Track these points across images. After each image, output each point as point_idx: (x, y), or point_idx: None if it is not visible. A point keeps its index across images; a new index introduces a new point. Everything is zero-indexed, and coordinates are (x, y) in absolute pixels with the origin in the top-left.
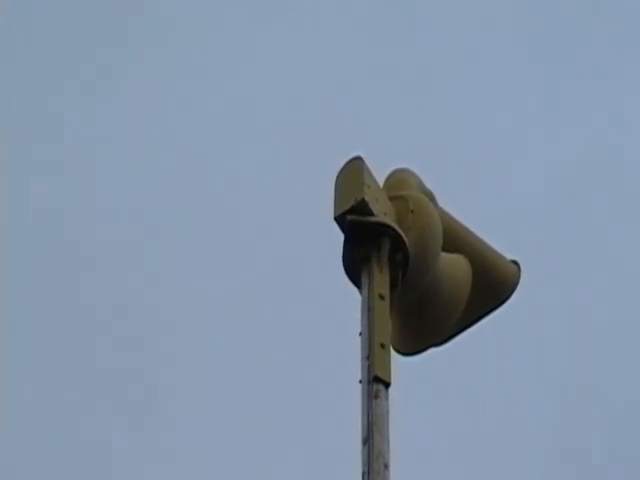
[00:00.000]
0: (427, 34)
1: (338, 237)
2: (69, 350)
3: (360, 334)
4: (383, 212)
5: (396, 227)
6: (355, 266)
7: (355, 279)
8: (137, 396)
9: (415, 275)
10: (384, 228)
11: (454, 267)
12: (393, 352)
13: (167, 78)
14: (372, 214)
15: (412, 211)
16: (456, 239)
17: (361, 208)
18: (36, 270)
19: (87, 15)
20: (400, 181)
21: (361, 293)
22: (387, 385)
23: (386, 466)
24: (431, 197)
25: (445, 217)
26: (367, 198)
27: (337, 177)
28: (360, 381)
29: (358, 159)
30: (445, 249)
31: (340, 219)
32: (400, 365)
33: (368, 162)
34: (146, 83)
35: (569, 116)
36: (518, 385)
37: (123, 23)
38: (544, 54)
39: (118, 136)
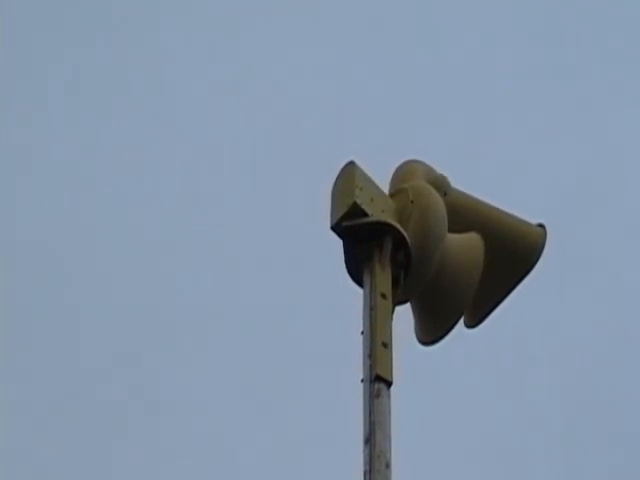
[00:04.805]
0: (429, 47)
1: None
2: (69, 363)
3: (362, 333)
4: (380, 210)
5: (393, 222)
6: (357, 265)
7: (357, 278)
8: (137, 413)
9: (420, 264)
10: (382, 226)
11: (462, 247)
12: (418, 343)
13: (163, 84)
14: (366, 215)
15: (412, 201)
16: (474, 216)
17: (355, 212)
18: (34, 282)
19: (83, 24)
20: (406, 173)
21: (363, 292)
22: (389, 384)
23: (387, 465)
24: (440, 182)
25: (460, 197)
26: (359, 200)
27: (332, 188)
28: (362, 380)
29: (349, 164)
30: (463, 228)
31: (337, 227)
32: (402, 364)
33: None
34: (143, 92)
35: (570, 133)
36: (519, 385)
37: (122, 28)
38: (547, 69)
39: (116, 145)
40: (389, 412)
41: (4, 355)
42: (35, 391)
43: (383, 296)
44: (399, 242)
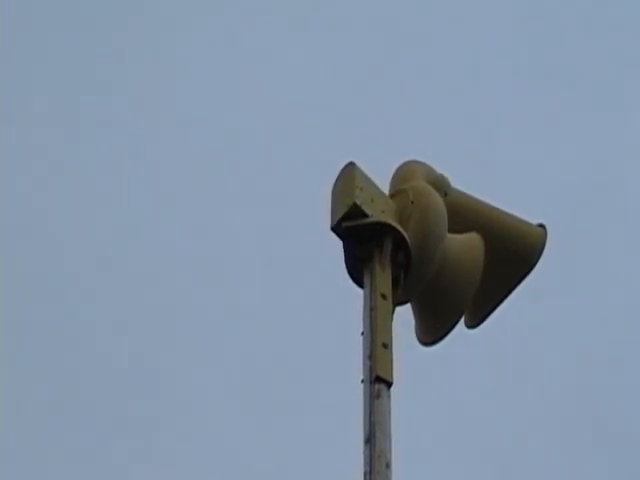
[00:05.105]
0: (429, 47)
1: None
2: (69, 365)
3: (362, 334)
4: (380, 210)
5: (393, 223)
6: (357, 266)
7: (357, 278)
8: (138, 414)
9: (420, 264)
10: (382, 226)
11: (462, 247)
12: (418, 343)
13: (164, 87)
14: (366, 215)
15: (412, 202)
16: (474, 216)
17: (355, 212)
18: (35, 287)
19: (83, 27)
20: (406, 174)
21: (363, 292)
22: (389, 385)
23: (388, 465)
24: (440, 183)
25: (460, 197)
26: (359, 201)
27: (332, 189)
28: (362, 381)
29: (349, 165)
30: (463, 228)
31: (337, 228)
32: (402, 365)
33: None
34: (143, 95)
35: (571, 133)
36: (519, 385)
37: (122, 31)
38: (547, 68)
39: (115, 151)
40: (389, 413)
41: (4, 355)
42: (35, 391)
43: (383, 297)
44: (399, 242)
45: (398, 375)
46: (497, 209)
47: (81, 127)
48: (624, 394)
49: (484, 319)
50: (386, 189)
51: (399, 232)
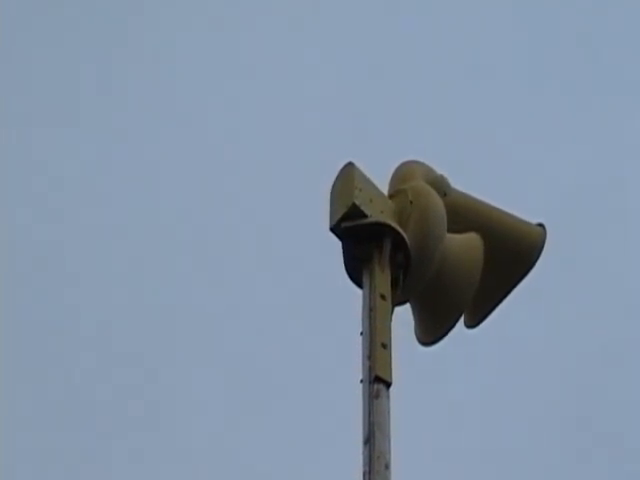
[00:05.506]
0: (429, 47)
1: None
2: (68, 366)
3: (361, 334)
4: (379, 211)
5: (392, 223)
6: (357, 266)
7: (357, 279)
8: (137, 413)
9: (419, 264)
10: (381, 227)
11: (461, 247)
12: (417, 343)
13: (162, 84)
14: (366, 216)
15: (411, 202)
16: (474, 216)
17: (354, 213)
18: (35, 287)
19: (86, 21)
20: (405, 174)
21: (362, 293)
22: (388, 385)
23: (387, 466)
24: (440, 183)
25: (460, 197)
26: (358, 201)
27: (331, 189)
28: (361, 381)
29: (348, 165)
30: (463, 228)
31: (336, 228)
32: (402, 365)
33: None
34: (144, 94)
35: (571, 133)
36: (519, 385)
37: (123, 25)
38: (547, 69)
39: (115, 146)
40: (388, 413)
41: (4, 355)
42: (35, 391)
43: (382, 297)
44: (398, 243)
45: (397, 375)
46: (497, 209)
47: (81, 127)
48: (625, 394)
49: (484, 319)
50: (385, 189)
51: (398, 232)
